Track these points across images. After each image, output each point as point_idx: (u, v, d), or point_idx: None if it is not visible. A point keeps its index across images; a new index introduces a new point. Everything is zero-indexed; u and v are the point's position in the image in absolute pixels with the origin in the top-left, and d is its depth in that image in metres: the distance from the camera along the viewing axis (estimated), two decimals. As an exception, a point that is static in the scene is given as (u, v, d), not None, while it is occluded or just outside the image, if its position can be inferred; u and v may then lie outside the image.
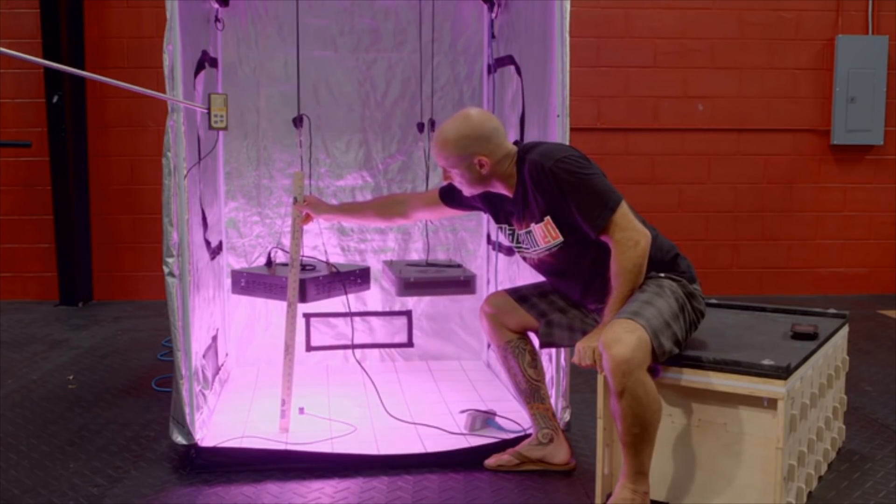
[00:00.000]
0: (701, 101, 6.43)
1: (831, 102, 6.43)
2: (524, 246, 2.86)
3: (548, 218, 2.71)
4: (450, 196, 3.07)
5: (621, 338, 2.43)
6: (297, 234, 3.34)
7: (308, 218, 3.36)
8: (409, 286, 3.47)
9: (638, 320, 2.47)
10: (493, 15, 4.14)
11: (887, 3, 6.43)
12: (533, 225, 2.76)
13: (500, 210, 2.91)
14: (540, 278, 3.03)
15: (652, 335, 2.47)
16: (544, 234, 2.74)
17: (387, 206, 3.30)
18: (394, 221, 3.36)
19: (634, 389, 2.43)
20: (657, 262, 2.68)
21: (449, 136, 2.75)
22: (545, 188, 2.66)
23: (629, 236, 2.59)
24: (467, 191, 2.86)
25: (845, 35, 6.37)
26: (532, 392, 3.01)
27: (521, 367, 3.00)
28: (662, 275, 2.70)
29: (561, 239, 2.72)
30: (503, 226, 2.93)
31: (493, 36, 4.16)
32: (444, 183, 2.98)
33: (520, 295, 3.00)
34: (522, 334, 3.01)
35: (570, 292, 2.92)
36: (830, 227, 6.60)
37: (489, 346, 4.28)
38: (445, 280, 3.56)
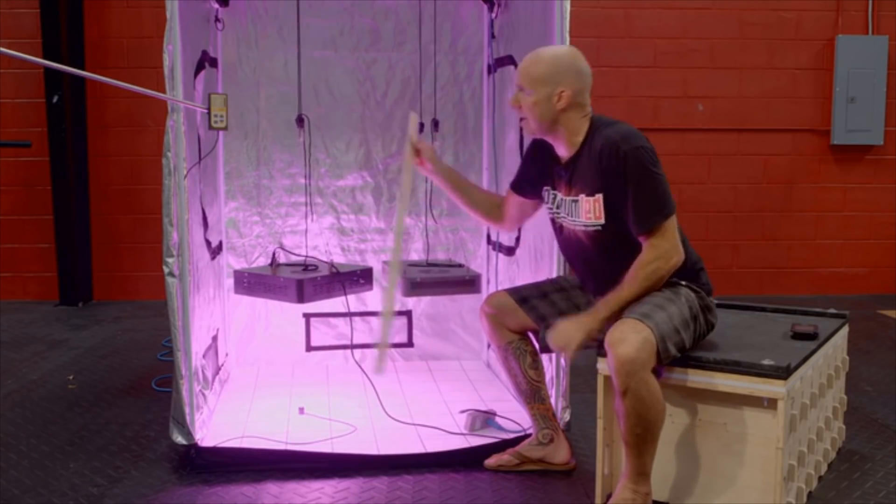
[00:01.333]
0: (701, 101, 6.43)
1: (831, 102, 6.43)
2: (563, 213, 2.77)
3: (600, 195, 2.64)
4: (518, 185, 2.96)
5: (627, 337, 2.42)
6: (408, 175, 3.04)
7: (420, 159, 3.02)
8: (416, 286, 3.47)
9: (646, 322, 2.46)
10: (493, 15, 4.14)
11: (887, 3, 6.43)
12: (583, 196, 2.68)
13: (548, 171, 2.81)
14: (540, 277, 3.03)
15: (658, 338, 2.45)
16: (589, 210, 2.67)
17: (492, 205, 3.09)
18: (490, 222, 3.14)
19: (638, 389, 2.42)
20: (681, 270, 2.64)
21: (545, 55, 2.69)
22: (612, 167, 2.58)
23: (667, 249, 2.56)
24: (530, 126, 2.73)
25: (845, 35, 6.37)
26: (532, 393, 3.01)
27: (521, 368, 2.99)
28: (683, 283, 2.67)
29: (602, 222, 2.65)
30: (546, 189, 2.84)
31: (493, 36, 4.16)
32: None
33: (520, 296, 2.96)
34: (523, 335, 2.99)
35: (585, 279, 2.86)
36: (830, 227, 6.60)
37: (489, 345, 4.28)
38: (451, 280, 3.57)
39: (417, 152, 3.02)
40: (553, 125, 2.70)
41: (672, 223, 2.58)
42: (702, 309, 2.68)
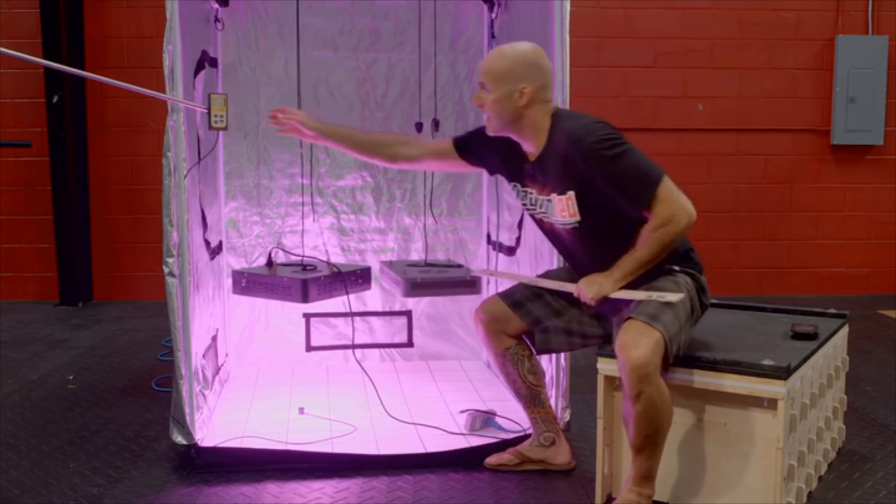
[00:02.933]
0: (701, 101, 6.43)
1: (831, 102, 6.43)
2: (539, 210, 2.77)
3: (571, 193, 2.64)
4: (466, 147, 2.95)
5: (639, 342, 2.42)
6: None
7: (291, 128, 2.99)
8: (416, 287, 3.47)
9: (655, 325, 2.45)
10: (493, 15, 4.14)
11: (887, 3, 6.43)
12: (554, 195, 2.68)
13: (517, 168, 2.81)
14: (539, 269, 3.02)
15: (668, 340, 2.45)
16: (563, 208, 2.67)
17: (392, 145, 3.04)
18: (396, 163, 3.08)
19: (651, 394, 2.41)
20: (673, 251, 2.64)
21: (506, 52, 2.69)
22: (578, 164, 2.58)
23: (672, 212, 2.54)
24: (493, 125, 2.72)
25: (845, 35, 6.37)
26: (532, 397, 3.00)
27: (520, 374, 2.97)
28: (677, 268, 2.67)
29: (578, 218, 2.65)
30: (516, 185, 2.84)
31: (493, 36, 4.16)
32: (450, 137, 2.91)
33: (513, 300, 2.93)
34: (520, 340, 2.96)
35: (576, 269, 2.85)
36: (830, 227, 6.60)
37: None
38: (451, 280, 3.56)
39: (275, 118, 3.00)
40: (516, 122, 2.69)
41: (667, 186, 2.56)
42: (697, 292, 2.69)
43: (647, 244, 2.57)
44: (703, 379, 2.58)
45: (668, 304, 2.52)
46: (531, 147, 2.73)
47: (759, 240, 6.57)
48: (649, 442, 2.48)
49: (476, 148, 2.93)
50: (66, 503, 2.77)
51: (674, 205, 2.56)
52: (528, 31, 3.57)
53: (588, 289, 2.64)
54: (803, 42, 6.42)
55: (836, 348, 3.11)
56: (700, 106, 6.43)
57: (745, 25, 6.37)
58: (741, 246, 6.56)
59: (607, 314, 2.77)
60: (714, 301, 3.44)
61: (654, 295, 2.54)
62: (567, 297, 2.83)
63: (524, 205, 2.85)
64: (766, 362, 2.51)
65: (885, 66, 6.39)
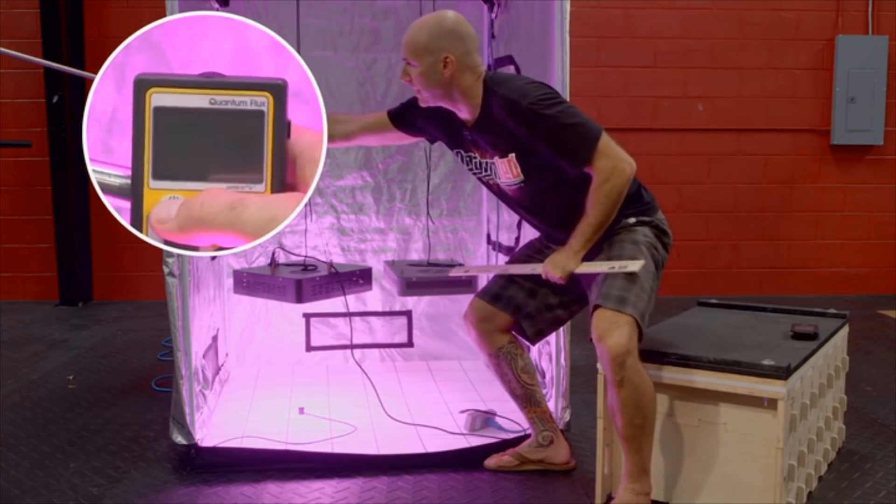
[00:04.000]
0: (701, 101, 6.43)
1: (831, 102, 6.43)
2: (485, 173, 2.79)
3: (512, 156, 2.65)
4: (401, 118, 2.93)
5: (613, 331, 2.46)
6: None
7: None
8: (412, 286, 3.47)
9: (625, 310, 2.48)
10: (493, 15, 4.14)
11: (887, 3, 6.43)
12: (497, 158, 2.69)
13: (457, 136, 2.81)
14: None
15: (640, 319, 2.50)
16: (506, 171, 2.68)
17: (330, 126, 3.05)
18: (333, 143, 2.92)
19: (632, 378, 2.46)
20: (623, 200, 2.62)
21: (423, 24, 2.67)
22: (515, 126, 2.58)
23: (614, 164, 2.54)
24: (424, 97, 2.70)
25: (845, 35, 6.37)
26: (527, 397, 3.00)
27: (514, 373, 2.97)
28: (633, 220, 2.67)
29: (522, 178, 2.67)
30: (459, 151, 2.84)
31: (493, 36, 4.16)
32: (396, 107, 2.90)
33: (491, 295, 2.94)
34: (512, 338, 2.97)
35: (534, 225, 2.88)
36: (830, 227, 6.60)
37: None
38: (447, 279, 3.56)
39: None
40: (446, 92, 2.68)
41: (605, 142, 2.55)
42: (658, 238, 2.69)
43: (596, 204, 2.57)
44: (703, 379, 2.59)
45: (631, 276, 2.53)
46: (466, 114, 2.72)
47: (759, 240, 6.57)
48: (639, 430, 2.50)
49: (412, 118, 2.91)
50: (66, 503, 2.77)
51: (615, 157, 2.55)
52: (528, 31, 3.57)
53: (553, 270, 2.65)
54: (803, 42, 6.42)
55: (836, 348, 3.12)
56: (700, 106, 6.44)
57: (745, 25, 6.37)
58: (741, 246, 6.56)
59: (579, 279, 2.76)
60: (714, 301, 3.45)
61: (616, 266, 2.55)
62: (536, 277, 2.82)
63: (470, 170, 2.86)
64: (766, 362, 2.51)
65: (885, 66, 6.39)
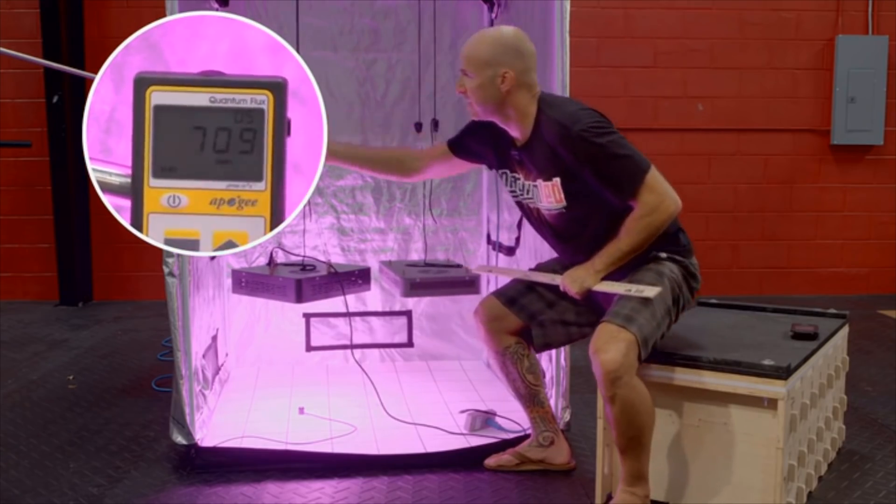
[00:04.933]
0: (701, 101, 6.43)
1: (831, 102, 6.43)
2: (526, 196, 2.76)
3: (557, 180, 2.62)
4: (459, 146, 2.94)
5: (609, 346, 2.43)
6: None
7: None
8: (415, 287, 3.46)
9: (629, 327, 2.46)
10: (493, 15, 4.14)
11: (887, 3, 6.43)
12: (540, 181, 2.67)
13: (504, 155, 2.79)
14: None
15: (641, 341, 2.46)
16: (549, 194, 2.65)
17: (401, 161, 3.03)
18: (410, 177, 3.08)
19: (626, 396, 2.43)
20: (660, 236, 2.62)
21: (486, 37, 2.66)
22: (564, 151, 2.56)
23: (660, 200, 2.54)
24: (476, 110, 2.69)
25: (845, 35, 6.37)
26: (531, 397, 3.00)
27: (520, 373, 2.96)
28: (664, 255, 2.66)
29: (564, 204, 2.64)
30: (504, 172, 2.82)
31: (493, 36, 4.15)
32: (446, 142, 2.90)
33: (508, 297, 2.93)
34: (520, 339, 2.95)
35: (562, 255, 2.85)
36: (830, 227, 6.60)
37: (489, 347, 4.28)
38: (450, 280, 3.56)
39: None
40: (500, 108, 2.67)
41: (653, 176, 2.54)
42: (684, 278, 2.67)
43: (631, 233, 2.56)
44: (703, 379, 2.59)
45: (645, 301, 2.52)
46: (517, 133, 2.71)
47: (759, 240, 6.57)
48: (634, 442, 2.48)
49: (469, 145, 2.92)
50: (66, 503, 2.77)
51: (661, 193, 2.55)
52: (528, 31, 3.55)
53: (571, 284, 2.65)
54: (803, 42, 6.42)
55: (836, 348, 3.11)
56: (700, 106, 6.43)
57: (745, 25, 6.37)
58: (741, 246, 6.56)
59: (599, 302, 2.76)
60: (714, 301, 3.44)
61: (633, 289, 2.54)
62: (557, 288, 2.82)
63: (511, 192, 2.84)
64: (766, 362, 2.51)
65: (885, 66, 6.39)
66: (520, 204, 2.86)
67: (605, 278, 2.63)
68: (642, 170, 2.54)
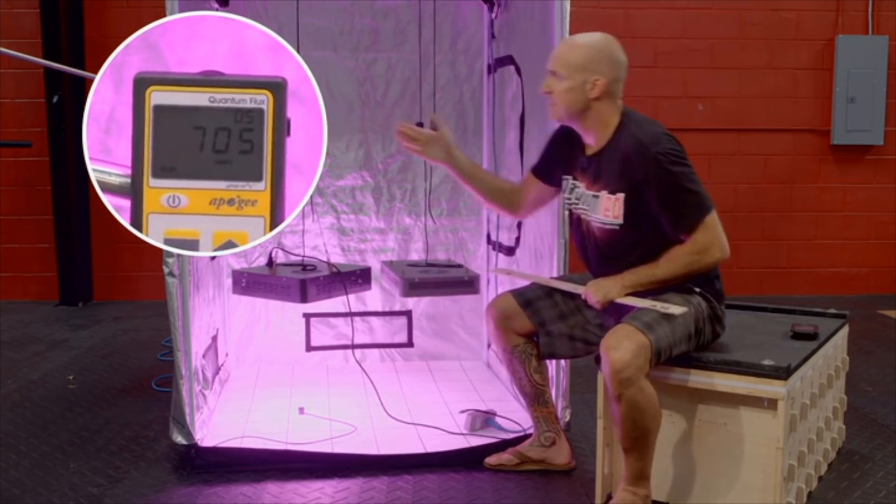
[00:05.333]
0: (701, 101, 6.43)
1: (831, 102, 6.42)
2: (581, 206, 2.73)
3: (621, 195, 2.61)
4: (540, 169, 2.91)
5: (621, 344, 2.42)
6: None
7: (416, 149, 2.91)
8: (414, 286, 3.46)
9: (646, 333, 2.45)
10: (493, 15, 4.14)
11: (887, 3, 6.43)
12: (604, 193, 2.65)
13: (571, 160, 2.78)
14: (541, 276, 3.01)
15: (654, 350, 2.45)
16: (609, 208, 2.64)
17: (508, 195, 3.00)
18: (515, 213, 3.07)
19: (633, 396, 2.42)
20: (699, 274, 2.63)
21: (583, 42, 2.65)
22: (639, 172, 2.56)
23: (711, 244, 2.55)
24: (558, 112, 2.67)
25: (845, 35, 6.37)
26: (537, 396, 2.99)
27: (527, 372, 2.95)
28: (697, 289, 2.65)
29: (620, 221, 2.62)
30: (566, 178, 2.81)
31: (493, 36, 4.16)
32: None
33: (525, 299, 2.91)
34: (528, 338, 2.94)
35: (596, 272, 2.82)
36: (830, 227, 6.60)
37: (489, 345, 4.28)
38: (450, 280, 3.56)
39: (401, 135, 2.92)
40: (584, 113, 2.66)
41: (712, 219, 2.56)
42: (709, 319, 2.66)
43: (672, 262, 2.57)
44: (703, 379, 2.58)
45: (667, 317, 2.51)
46: (591, 140, 2.70)
47: (759, 240, 6.57)
48: (638, 443, 2.48)
49: (549, 165, 2.90)
50: (66, 503, 2.77)
51: (714, 237, 2.56)
52: (528, 31, 3.57)
53: (595, 292, 2.64)
54: (803, 42, 6.42)
55: (836, 348, 3.11)
56: (700, 106, 6.43)
57: (745, 25, 6.37)
58: (741, 246, 6.56)
59: (613, 322, 2.74)
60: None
61: (658, 305, 2.53)
62: (576, 300, 2.82)
63: (567, 199, 2.81)
64: (766, 362, 2.51)
65: (885, 66, 6.38)
66: (570, 213, 2.84)
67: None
68: (705, 209, 2.55)
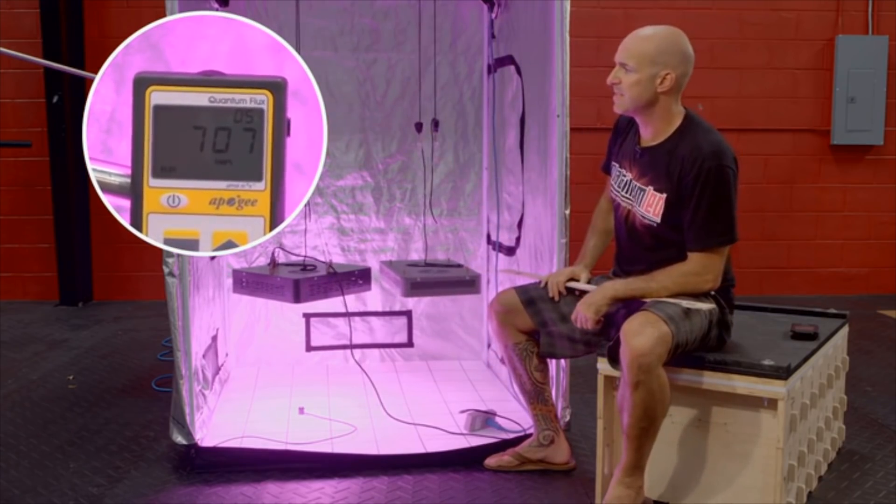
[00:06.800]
0: (701, 101, 6.42)
1: (831, 102, 6.42)
2: (626, 195, 2.72)
3: (665, 196, 2.60)
4: (608, 169, 2.90)
5: (644, 330, 2.41)
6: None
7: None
8: (416, 286, 3.47)
9: (669, 324, 2.44)
10: (493, 15, 4.14)
11: (887, 3, 6.43)
12: (650, 189, 2.64)
13: (626, 148, 2.76)
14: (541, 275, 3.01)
15: (674, 343, 2.45)
16: (651, 204, 2.63)
17: (608, 224, 2.97)
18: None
19: (650, 384, 2.41)
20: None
21: (654, 35, 2.67)
22: (690, 177, 2.55)
23: (707, 271, 2.56)
24: (624, 103, 2.65)
25: (845, 35, 6.37)
26: (536, 394, 2.99)
27: (527, 370, 2.96)
28: (712, 293, 2.65)
29: (658, 220, 2.63)
30: (616, 164, 2.79)
31: (493, 36, 4.16)
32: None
33: (528, 297, 2.91)
34: (530, 336, 2.94)
35: (622, 259, 2.82)
36: (830, 227, 6.60)
37: (489, 345, 4.28)
38: (451, 280, 3.56)
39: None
40: (649, 106, 2.64)
41: (724, 251, 2.58)
42: (719, 324, 2.67)
43: (668, 276, 2.58)
44: (703, 379, 2.58)
45: (688, 313, 2.51)
46: (649, 133, 2.69)
47: (759, 240, 6.57)
48: (643, 432, 2.48)
49: (612, 158, 2.87)
50: (66, 503, 2.77)
51: (714, 266, 2.57)
52: (528, 31, 3.57)
53: (586, 309, 2.64)
54: (803, 42, 6.42)
55: (836, 348, 3.11)
56: (700, 106, 6.43)
57: (745, 25, 6.37)
58: (741, 246, 6.51)
59: (614, 324, 2.74)
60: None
61: (684, 302, 2.54)
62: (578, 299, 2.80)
63: (614, 186, 2.80)
64: (766, 362, 2.51)
65: (885, 66, 6.38)
66: (616, 200, 2.81)
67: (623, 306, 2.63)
68: (724, 238, 2.56)
